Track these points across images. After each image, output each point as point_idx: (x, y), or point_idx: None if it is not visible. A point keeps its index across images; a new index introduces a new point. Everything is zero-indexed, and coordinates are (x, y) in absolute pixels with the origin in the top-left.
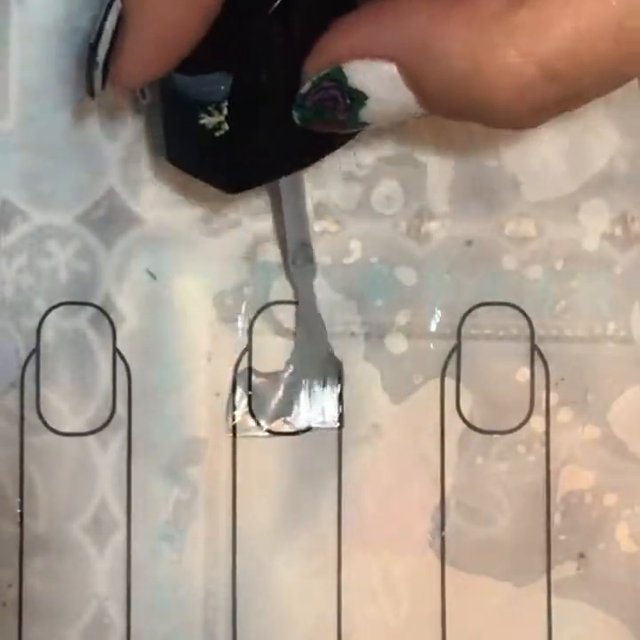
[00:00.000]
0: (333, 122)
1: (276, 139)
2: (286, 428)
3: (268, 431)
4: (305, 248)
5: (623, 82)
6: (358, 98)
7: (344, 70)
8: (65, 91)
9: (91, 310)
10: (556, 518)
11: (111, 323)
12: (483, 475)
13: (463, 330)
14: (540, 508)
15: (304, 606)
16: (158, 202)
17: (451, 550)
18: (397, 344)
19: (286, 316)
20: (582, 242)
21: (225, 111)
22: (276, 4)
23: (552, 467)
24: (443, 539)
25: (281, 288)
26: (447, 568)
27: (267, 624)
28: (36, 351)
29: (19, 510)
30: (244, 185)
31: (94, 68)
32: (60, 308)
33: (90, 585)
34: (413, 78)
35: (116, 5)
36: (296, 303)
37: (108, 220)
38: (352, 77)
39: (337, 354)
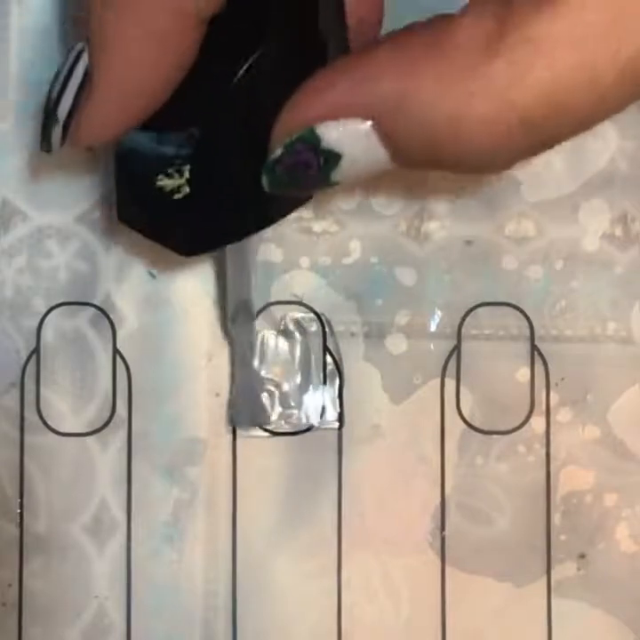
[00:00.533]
0: (304, 185)
1: (237, 202)
2: (286, 428)
3: (268, 431)
4: (246, 306)
5: (596, 124)
6: (332, 159)
7: (317, 132)
8: None
9: (91, 310)
10: (556, 518)
11: (111, 323)
12: (483, 475)
13: (463, 330)
14: (540, 508)
15: (304, 606)
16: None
17: (451, 550)
18: (397, 344)
19: (286, 316)
20: (582, 242)
21: (186, 174)
22: (241, 73)
23: (552, 467)
24: (443, 539)
25: (281, 288)
26: (447, 568)
27: (267, 624)
28: (36, 351)
29: (19, 510)
30: (200, 248)
31: (53, 124)
32: (60, 308)
33: (90, 585)
34: (389, 135)
35: (83, 62)
36: (298, 303)
37: (108, 220)
38: (326, 138)
39: (337, 354)
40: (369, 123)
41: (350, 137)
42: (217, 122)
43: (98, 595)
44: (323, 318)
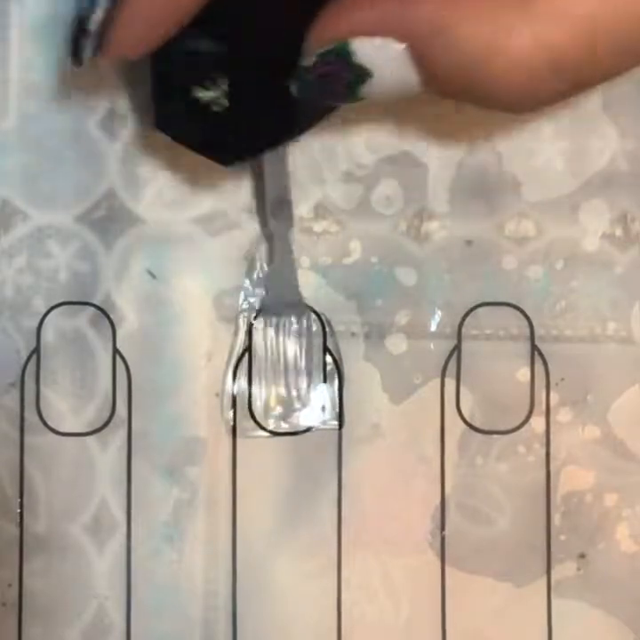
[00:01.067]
0: (331, 95)
1: (273, 111)
2: (286, 428)
3: (268, 431)
4: (284, 202)
5: (624, 73)
6: (362, 74)
7: (350, 46)
8: (65, 91)
9: (91, 310)
10: (556, 518)
11: (111, 323)
12: (483, 475)
13: (463, 330)
14: (540, 508)
15: (304, 606)
16: (158, 202)
17: (451, 550)
18: (397, 344)
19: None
20: (582, 242)
21: (223, 87)
22: None
23: (552, 467)
24: (443, 539)
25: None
26: (447, 568)
27: (267, 624)
28: (36, 351)
29: (19, 510)
30: (237, 157)
31: (85, 37)
32: (60, 308)
33: (90, 585)
34: (423, 60)
35: None
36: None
37: (108, 219)
38: (358, 54)
39: (337, 354)
40: (403, 45)
41: (383, 56)
42: (253, 29)
43: (98, 595)
44: (323, 318)
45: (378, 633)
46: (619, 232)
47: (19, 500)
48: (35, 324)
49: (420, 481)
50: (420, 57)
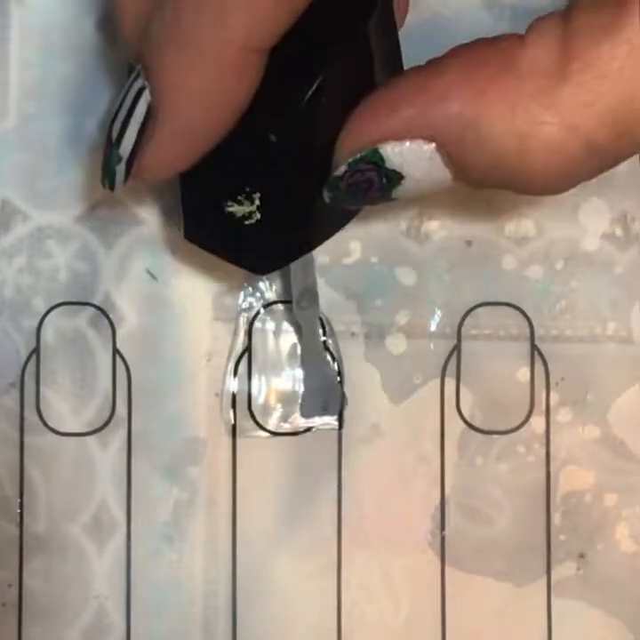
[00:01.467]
0: (364, 200)
1: (304, 220)
2: (286, 428)
3: (268, 431)
4: (310, 292)
5: None
6: (394, 178)
7: (381, 152)
8: (65, 91)
9: (91, 310)
10: (556, 518)
11: (111, 323)
12: (483, 475)
13: (463, 330)
14: (540, 508)
15: (304, 606)
16: (158, 202)
17: (451, 550)
18: (397, 344)
19: (286, 315)
20: (582, 242)
21: (257, 202)
22: (308, 95)
23: (552, 467)
24: (443, 539)
25: (281, 288)
26: (447, 568)
27: (267, 624)
28: (36, 351)
29: (19, 510)
30: (271, 266)
31: (117, 162)
32: (60, 308)
33: (90, 585)
34: (454, 157)
35: (145, 99)
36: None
37: (108, 220)
38: (390, 159)
39: (337, 354)
40: (433, 144)
41: (414, 158)
42: (285, 146)
43: (98, 595)
44: (323, 318)
45: (378, 633)
46: (619, 232)
47: (19, 500)
48: (35, 324)
49: (420, 481)
50: (451, 155)
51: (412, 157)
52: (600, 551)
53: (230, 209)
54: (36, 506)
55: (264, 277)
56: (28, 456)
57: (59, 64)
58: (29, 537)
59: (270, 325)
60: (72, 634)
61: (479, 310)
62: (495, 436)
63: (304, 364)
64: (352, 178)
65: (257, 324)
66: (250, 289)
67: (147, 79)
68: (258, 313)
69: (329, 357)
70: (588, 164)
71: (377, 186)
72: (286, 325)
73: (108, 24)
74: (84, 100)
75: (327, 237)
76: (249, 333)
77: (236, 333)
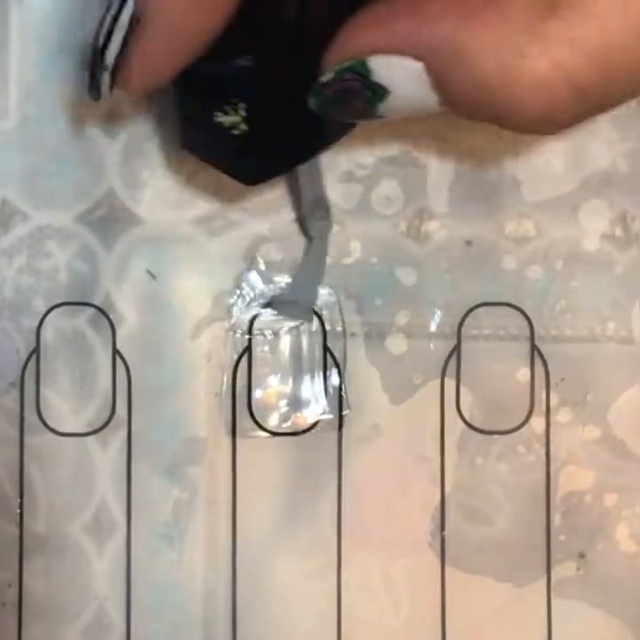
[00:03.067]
0: (350, 112)
1: (294, 130)
2: (286, 428)
3: (268, 431)
4: (321, 202)
5: None
6: (380, 92)
7: (368, 64)
8: (65, 91)
9: (90, 310)
10: (556, 518)
11: (111, 323)
12: (483, 475)
13: (463, 330)
14: (540, 508)
15: (304, 606)
16: (158, 202)
17: (451, 550)
18: (397, 344)
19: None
20: (582, 242)
21: (242, 112)
22: (298, 3)
23: (552, 467)
24: (443, 539)
25: (281, 288)
26: (447, 568)
27: (267, 624)
28: (36, 351)
29: (19, 510)
30: (262, 177)
31: (101, 71)
32: (60, 308)
33: (90, 585)
34: (440, 80)
35: (128, 7)
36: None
37: (108, 220)
38: (376, 72)
39: (337, 354)
40: (421, 63)
41: (401, 75)
42: (270, 54)
43: (98, 595)
44: (323, 318)
45: (378, 633)
46: (619, 232)
47: (19, 500)
48: (35, 324)
49: (420, 481)
50: (437, 75)
51: (400, 74)
52: (600, 551)
53: (218, 119)
54: (36, 506)
55: (263, 279)
56: (28, 456)
57: (59, 64)
58: (29, 537)
59: (270, 325)
60: (72, 634)
61: (479, 310)
62: (495, 436)
63: (299, 271)
64: (337, 86)
65: (257, 324)
66: (250, 289)
67: None
68: (258, 313)
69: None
70: (573, 106)
71: (363, 97)
72: (286, 325)
73: None
74: (83, 101)
75: (318, 151)
76: (249, 333)
77: (235, 333)
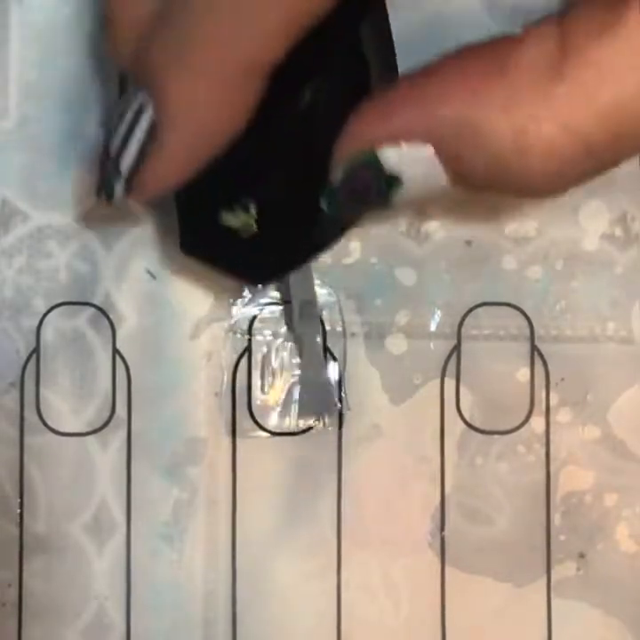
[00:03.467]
0: (363, 207)
1: (301, 230)
2: (286, 428)
3: (268, 431)
4: (310, 305)
5: None
6: (393, 182)
7: (378, 156)
8: (65, 91)
9: (90, 310)
10: (556, 518)
11: (111, 323)
12: (483, 475)
13: (463, 330)
14: (540, 508)
15: (304, 606)
16: (158, 202)
17: (451, 550)
18: (397, 344)
19: (285, 320)
20: (582, 242)
21: (252, 212)
22: (304, 102)
23: (552, 467)
24: (443, 539)
25: (280, 296)
26: (447, 568)
27: (267, 624)
28: (36, 351)
29: (19, 510)
30: (269, 277)
31: (116, 178)
32: (60, 308)
33: (90, 585)
34: (452, 160)
35: (147, 116)
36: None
37: (108, 220)
38: (387, 162)
39: (337, 354)
40: (431, 147)
41: (412, 161)
42: (282, 154)
43: (98, 595)
44: (323, 318)
45: (378, 633)
46: (618, 232)
47: (19, 500)
48: (35, 324)
49: (420, 481)
50: (448, 157)
51: (410, 161)
52: (600, 551)
53: (226, 221)
54: (36, 506)
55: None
56: (28, 456)
57: (59, 64)
58: (29, 537)
59: (270, 325)
60: (72, 634)
61: (479, 310)
62: (495, 436)
63: (303, 373)
64: (350, 184)
65: (257, 324)
66: (250, 289)
67: (150, 96)
68: (258, 313)
69: (327, 363)
70: (586, 164)
71: (375, 191)
72: (286, 325)
73: None
74: (84, 100)
75: (326, 247)
76: (249, 333)
77: (235, 333)
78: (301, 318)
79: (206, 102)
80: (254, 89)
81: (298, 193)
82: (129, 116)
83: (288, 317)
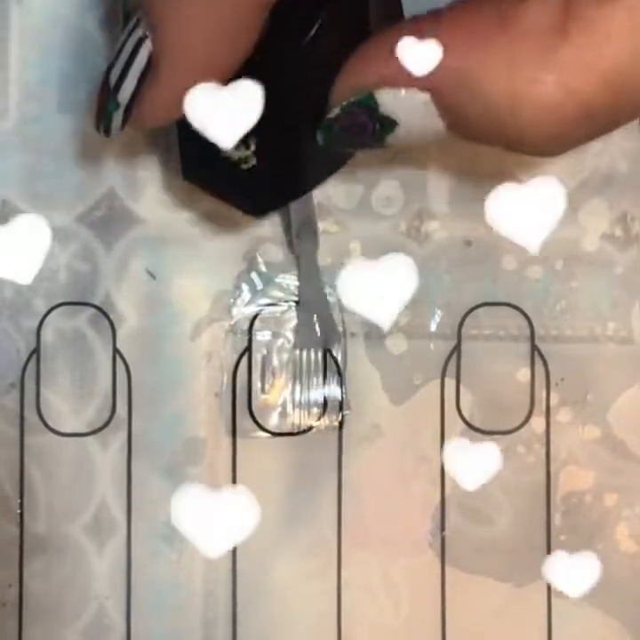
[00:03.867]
0: (358, 144)
1: (299, 163)
2: (286, 428)
3: (268, 431)
4: (309, 223)
5: None
6: (388, 124)
7: (376, 97)
8: (65, 91)
9: (90, 310)
10: (556, 518)
11: (111, 323)
12: None
13: (463, 330)
14: (540, 508)
15: (304, 606)
16: (158, 202)
17: (451, 550)
18: (397, 344)
19: (286, 316)
20: (582, 242)
21: (252, 146)
22: (308, 38)
23: (552, 467)
24: (443, 539)
25: (281, 288)
26: (447, 568)
27: (267, 624)
28: (36, 351)
29: (19, 510)
30: (267, 208)
31: (113, 109)
32: (60, 308)
33: (90, 585)
34: (448, 109)
35: (146, 48)
36: (296, 303)
37: (108, 219)
38: (383, 104)
39: (337, 354)
40: (428, 94)
41: (408, 106)
42: (283, 89)
43: (98, 595)
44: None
45: (378, 633)
46: (618, 232)
47: (19, 500)
48: (35, 324)
49: (420, 481)
50: (445, 106)
51: (407, 105)
52: (600, 551)
53: (227, 153)
54: (36, 506)
55: (263, 279)
56: (28, 456)
57: (59, 64)
58: (29, 537)
59: (270, 325)
60: (72, 634)
61: (479, 310)
62: (495, 436)
63: (301, 296)
64: (345, 121)
65: (257, 324)
66: (250, 289)
67: (148, 29)
68: (258, 313)
69: (326, 296)
70: (583, 127)
71: (370, 130)
72: (286, 325)
73: (108, 23)
74: (83, 100)
75: (324, 179)
76: (249, 333)
77: (235, 333)
78: (299, 238)
79: (206, 34)
80: (256, 22)
81: (296, 128)
82: (128, 47)
83: (288, 238)
